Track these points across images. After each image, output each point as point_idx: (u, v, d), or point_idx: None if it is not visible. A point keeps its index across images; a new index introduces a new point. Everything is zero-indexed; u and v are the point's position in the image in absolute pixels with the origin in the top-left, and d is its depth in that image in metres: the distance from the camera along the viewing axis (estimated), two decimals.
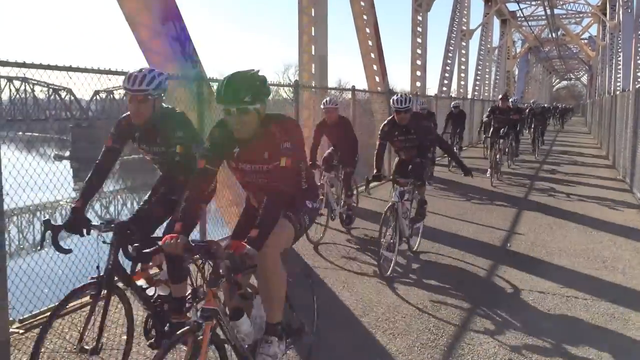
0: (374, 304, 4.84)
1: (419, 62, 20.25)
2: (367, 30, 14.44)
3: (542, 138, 19.56)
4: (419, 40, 20.29)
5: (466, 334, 4.25)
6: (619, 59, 24.58)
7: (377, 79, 14.80)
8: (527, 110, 19.58)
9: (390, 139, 6.26)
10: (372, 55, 14.72)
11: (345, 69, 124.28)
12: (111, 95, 43.14)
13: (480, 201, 9.93)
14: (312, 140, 7.19)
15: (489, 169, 11.83)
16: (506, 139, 12.67)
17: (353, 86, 10.85)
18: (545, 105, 40.20)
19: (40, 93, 37.53)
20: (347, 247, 6.76)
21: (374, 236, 6.71)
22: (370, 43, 14.58)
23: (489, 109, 13.98)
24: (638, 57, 18.39)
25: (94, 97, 42.20)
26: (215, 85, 7.63)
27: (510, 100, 13.67)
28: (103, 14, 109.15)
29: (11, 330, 4.10)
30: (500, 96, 14.07)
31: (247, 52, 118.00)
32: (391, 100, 6.13)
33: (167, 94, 6.23)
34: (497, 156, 11.94)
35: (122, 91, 3.55)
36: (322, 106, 7.28)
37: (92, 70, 4.79)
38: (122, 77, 3.60)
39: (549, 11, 32.48)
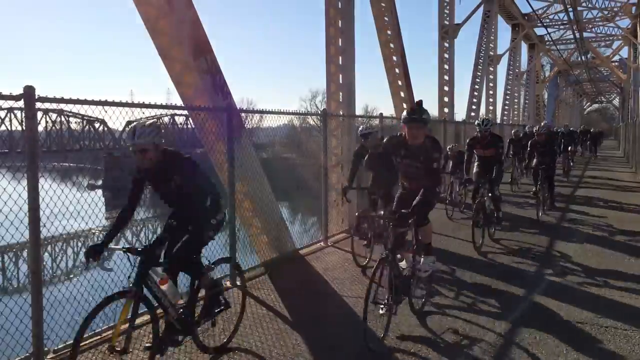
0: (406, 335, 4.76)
1: (446, 88, 20.21)
2: (394, 58, 14.52)
3: (552, 193, 11.43)
4: (446, 66, 20.28)
5: None
6: None
7: (405, 106, 14.81)
8: (529, 139, 12.53)
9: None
10: (399, 83, 14.77)
11: (372, 94, 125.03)
12: None
13: None
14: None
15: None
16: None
17: (381, 113, 10.90)
18: (571, 128, 31.10)
19: (75, 124, 38.67)
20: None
21: None
22: (397, 71, 14.64)
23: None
24: None
25: (127, 128, 43.36)
26: (244, 115, 7.77)
27: (478, 124, 8.53)
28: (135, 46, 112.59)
29: None
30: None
31: (274, 79, 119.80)
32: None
33: (198, 125, 6.38)
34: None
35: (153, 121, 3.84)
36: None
37: (126, 104, 4.95)
38: (152, 110, 3.77)
39: (577, 35, 32.19)
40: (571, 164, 19.23)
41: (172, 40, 6.38)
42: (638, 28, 30.57)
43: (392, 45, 14.38)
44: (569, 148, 18.91)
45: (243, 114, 7.63)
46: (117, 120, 5.04)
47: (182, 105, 6.63)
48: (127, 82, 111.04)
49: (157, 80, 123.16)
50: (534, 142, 11.35)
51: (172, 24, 6.30)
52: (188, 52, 6.37)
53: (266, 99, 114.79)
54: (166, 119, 44.66)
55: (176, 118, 44.23)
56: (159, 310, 3.94)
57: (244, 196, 7.02)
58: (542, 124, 14.34)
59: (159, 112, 42.09)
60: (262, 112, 7.74)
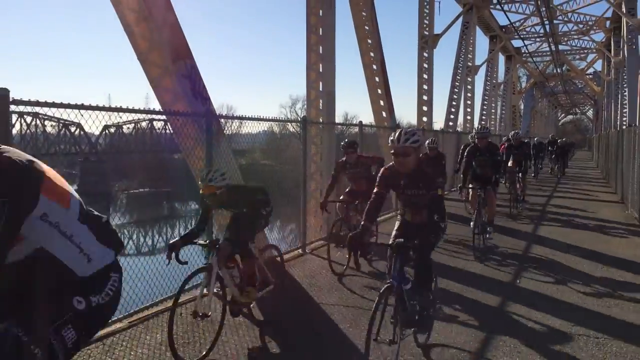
0: None
1: (425, 98, 20.45)
2: (374, 67, 14.64)
3: (424, 322, 4.44)
4: (425, 76, 20.53)
5: None
6: (624, 94, 24.73)
7: (384, 114, 14.93)
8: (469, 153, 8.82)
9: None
10: (379, 91, 14.89)
11: (352, 101, 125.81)
12: (120, 130, 43.77)
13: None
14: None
15: None
16: None
17: (360, 122, 10.96)
18: (526, 140, 19.87)
19: (51, 128, 38.09)
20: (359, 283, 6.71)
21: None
22: (377, 79, 14.76)
23: None
24: None
25: (103, 132, 42.81)
26: (223, 121, 7.73)
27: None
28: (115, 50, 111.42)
29: None
30: None
31: (254, 85, 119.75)
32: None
33: (176, 130, 6.34)
34: None
35: (131, 125, 4.04)
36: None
37: (103, 108, 4.88)
38: (130, 114, 3.74)
39: (553, 47, 32.83)
40: (521, 197, 12.71)
41: (151, 44, 6.34)
42: (612, 42, 31.34)
43: (372, 54, 14.50)
44: (519, 168, 12.42)
45: (222, 120, 7.59)
46: (93, 124, 4.96)
47: (161, 110, 6.58)
48: (105, 86, 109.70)
49: (136, 84, 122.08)
50: (387, 176, 4.40)
51: (151, 28, 6.26)
52: (167, 56, 6.34)
53: (246, 105, 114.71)
54: (144, 124, 44.28)
55: (154, 123, 43.85)
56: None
57: None
58: (478, 129, 9.60)
59: (136, 116, 41.48)
60: (241, 118, 7.72)
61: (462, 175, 8.88)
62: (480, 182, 8.58)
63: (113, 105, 5.07)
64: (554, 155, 25.09)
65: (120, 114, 5.33)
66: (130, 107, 5.28)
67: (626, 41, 23.32)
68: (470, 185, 8.70)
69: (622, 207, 13.85)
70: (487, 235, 8.69)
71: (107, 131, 43.11)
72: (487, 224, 8.64)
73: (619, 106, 26.77)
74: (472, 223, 8.54)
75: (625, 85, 24.29)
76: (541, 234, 10.04)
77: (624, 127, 19.55)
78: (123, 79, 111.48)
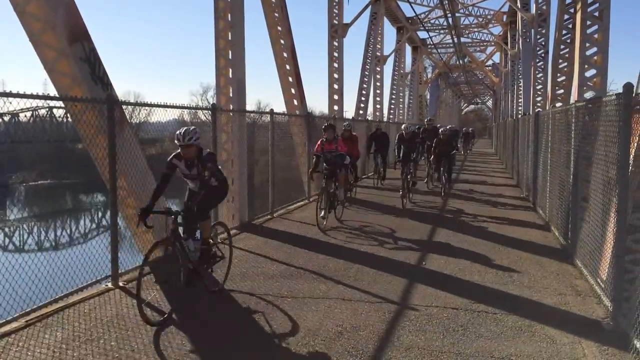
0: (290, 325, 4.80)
1: (336, 86, 20.67)
2: (285, 54, 14.59)
3: None
4: (336, 65, 20.74)
5: (383, 355, 4.31)
6: (519, 84, 26.30)
7: (296, 102, 14.94)
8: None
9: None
10: (290, 79, 14.87)
11: (265, 90, 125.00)
12: (16, 119, 40.74)
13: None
14: None
15: None
16: None
17: (271, 109, 10.89)
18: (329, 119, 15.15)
19: None
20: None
21: None
22: (287, 67, 14.72)
23: None
24: (537, 83, 19.75)
25: None
26: (130, 109, 7.39)
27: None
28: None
29: None
30: None
31: (164, 72, 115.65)
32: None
33: (75, 117, 6.01)
34: None
35: (29, 114, 3.79)
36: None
37: None
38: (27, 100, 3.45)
39: (456, 39, 34.32)
40: None
41: (44, 24, 5.91)
42: (509, 35, 33.23)
43: (282, 42, 14.43)
44: None
45: (130, 107, 7.26)
46: None
47: (57, 95, 6.18)
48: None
49: (34, 70, 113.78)
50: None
51: (43, 7, 5.84)
52: (62, 37, 5.94)
53: (155, 93, 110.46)
54: (43, 112, 41.47)
55: (55, 111, 41.22)
56: None
57: (127, 193, 6.70)
58: None
59: (34, 104, 38.82)
60: (146, 104, 7.42)
61: None
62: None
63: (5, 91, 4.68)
64: (432, 156, 14.43)
65: (13, 100, 4.93)
66: (22, 92, 4.90)
67: (521, 34, 24.77)
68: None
69: (519, 190, 14.82)
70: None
71: (1, 119, 40.03)
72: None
73: (515, 96, 28.46)
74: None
75: (520, 77, 25.84)
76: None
77: (519, 115, 20.86)
78: (20, 64, 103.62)
